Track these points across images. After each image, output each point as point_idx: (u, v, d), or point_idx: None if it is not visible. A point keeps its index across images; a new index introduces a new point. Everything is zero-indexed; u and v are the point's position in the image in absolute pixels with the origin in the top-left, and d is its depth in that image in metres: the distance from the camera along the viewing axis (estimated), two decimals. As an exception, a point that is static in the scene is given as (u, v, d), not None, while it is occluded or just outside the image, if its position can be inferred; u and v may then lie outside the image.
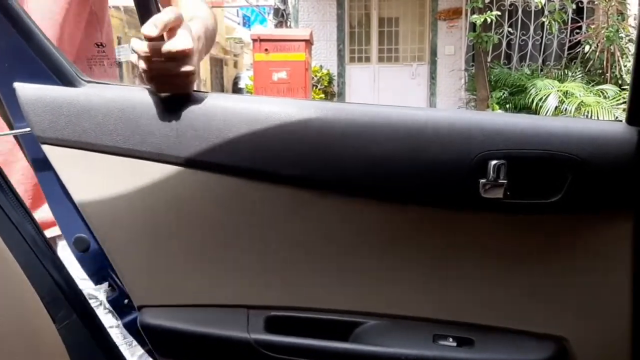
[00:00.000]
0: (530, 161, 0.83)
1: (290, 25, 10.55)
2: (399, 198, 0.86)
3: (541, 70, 9.40)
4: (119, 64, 8.66)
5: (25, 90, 0.88)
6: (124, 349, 1.20)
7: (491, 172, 0.81)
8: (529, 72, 9.09)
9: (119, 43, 10.14)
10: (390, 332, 0.89)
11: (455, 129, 0.85)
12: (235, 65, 21.49)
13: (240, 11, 18.38)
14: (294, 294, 0.90)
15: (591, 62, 8.39)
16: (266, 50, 7.28)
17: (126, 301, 0.98)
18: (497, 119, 0.89)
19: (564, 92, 7.55)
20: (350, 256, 0.89)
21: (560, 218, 0.85)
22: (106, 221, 0.92)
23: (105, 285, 1.00)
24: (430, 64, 10.39)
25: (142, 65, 0.86)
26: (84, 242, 0.96)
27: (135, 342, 1.14)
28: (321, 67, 10.10)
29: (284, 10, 10.95)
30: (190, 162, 0.88)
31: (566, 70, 8.91)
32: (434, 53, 10.31)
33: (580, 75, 8.52)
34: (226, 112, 0.88)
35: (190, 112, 0.88)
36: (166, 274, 0.92)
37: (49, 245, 0.94)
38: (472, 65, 9.55)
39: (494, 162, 0.81)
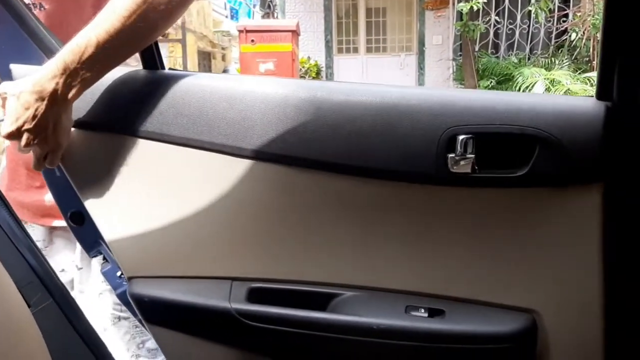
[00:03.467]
0: (498, 136, 0.84)
1: (277, 16, 10.51)
2: (372, 174, 0.88)
3: (528, 58, 9.41)
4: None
5: (19, 71, 0.93)
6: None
7: (459, 147, 0.83)
8: (516, 61, 9.10)
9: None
10: (364, 303, 0.91)
11: (425, 106, 0.86)
12: (224, 58, 21.33)
13: (227, 4, 18.29)
14: (274, 267, 0.93)
15: (578, 49, 8.42)
16: (252, 41, 7.24)
17: (119, 273, 1.02)
18: (467, 95, 0.91)
19: (550, 80, 7.56)
20: (327, 231, 0.91)
21: (528, 191, 0.86)
22: (96, 195, 0.95)
23: (99, 257, 1.06)
24: (418, 54, 10.38)
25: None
26: (79, 216, 1.01)
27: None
28: (309, 58, 10.08)
29: (271, 1, 10.90)
30: (171, 139, 0.91)
31: (553, 59, 8.93)
32: (421, 43, 10.30)
33: (567, 63, 8.54)
34: (204, 90, 0.91)
35: (167, 92, 0.92)
36: (154, 247, 0.95)
37: (24, 230, 0.94)
38: (460, 55, 9.55)
39: (462, 137, 0.83)
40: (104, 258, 1.06)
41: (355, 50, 10.59)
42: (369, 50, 10.58)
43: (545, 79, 7.62)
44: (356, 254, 0.91)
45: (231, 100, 0.90)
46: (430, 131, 0.84)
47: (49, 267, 0.95)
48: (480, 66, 8.82)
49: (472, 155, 0.83)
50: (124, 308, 1.14)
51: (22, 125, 0.84)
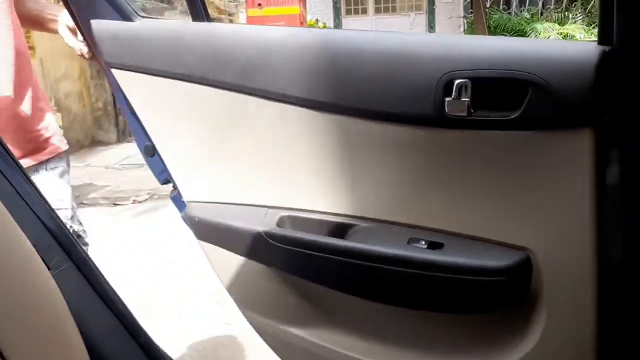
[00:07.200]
0: (493, 80, 0.87)
1: (283, -21, 10.37)
2: (378, 117, 0.94)
3: (541, 13, 9.26)
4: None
5: (97, 25, 1.11)
6: None
7: (455, 91, 0.86)
8: (528, 16, 8.96)
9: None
10: (373, 234, 1.01)
11: (425, 51, 0.91)
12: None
13: (233, -32, 18.06)
14: (300, 199, 1.06)
15: (592, 2, 8.25)
16: (259, 5, 7.19)
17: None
18: (465, 41, 0.97)
19: (564, 35, 7.45)
20: (343, 168, 1.00)
21: (522, 134, 0.88)
22: (161, 132, 1.13)
23: (170, 185, 1.23)
24: (428, 13, 10.22)
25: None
26: (151, 149, 1.17)
27: None
28: (317, 20, 9.96)
29: (277, -37, 10.74)
30: (217, 83, 1.04)
31: (566, 13, 8.78)
32: (431, 1, 10.14)
33: (580, 17, 8.40)
34: (230, 38, 1.04)
35: (209, 41, 1.05)
36: (207, 177, 1.13)
37: (40, 194, 0.95)
38: (471, 12, 9.40)
39: (458, 81, 0.86)
40: (173, 185, 1.19)
41: (364, 11, 10.44)
42: (377, 10, 10.43)
43: (558, 33, 7.50)
44: (366, 189, 1.00)
45: (257, 47, 1.00)
46: (429, 76, 0.88)
47: (67, 231, 0.96)
48: (491, 23, 8.69)
49: (467, 99, 0.86)
50: None
51: None
